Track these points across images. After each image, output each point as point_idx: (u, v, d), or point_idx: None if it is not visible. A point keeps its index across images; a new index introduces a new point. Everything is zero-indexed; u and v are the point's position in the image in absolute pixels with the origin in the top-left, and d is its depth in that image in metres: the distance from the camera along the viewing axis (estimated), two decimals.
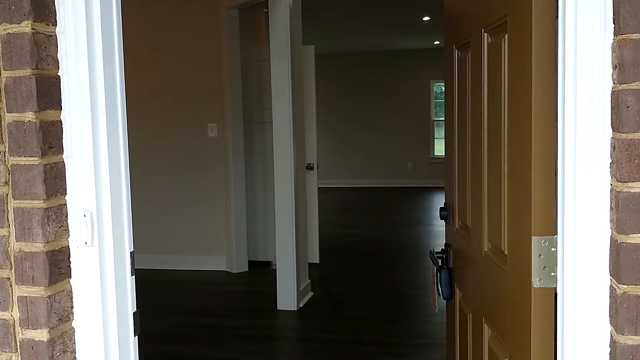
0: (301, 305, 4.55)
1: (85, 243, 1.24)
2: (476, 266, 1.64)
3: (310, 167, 5.68)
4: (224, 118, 5.56)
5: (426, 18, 8.79)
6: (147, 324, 4.35)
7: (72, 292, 1.25)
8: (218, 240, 5.67)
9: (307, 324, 4.27)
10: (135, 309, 1.39)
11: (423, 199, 10.53)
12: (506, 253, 1.37)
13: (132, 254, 1.37)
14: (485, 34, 1.50)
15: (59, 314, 1.22)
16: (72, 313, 1.26)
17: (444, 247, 2.04)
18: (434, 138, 12.36)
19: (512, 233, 1.33)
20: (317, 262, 5.81)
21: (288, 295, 4.47)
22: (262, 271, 5.58)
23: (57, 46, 1.22)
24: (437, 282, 1.98)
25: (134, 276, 1.38)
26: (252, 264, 5.77)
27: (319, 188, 6.01)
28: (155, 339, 3.92)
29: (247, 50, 5.76)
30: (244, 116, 5.67)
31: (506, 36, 1.33)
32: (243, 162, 5.59)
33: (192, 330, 4.08)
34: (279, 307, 4.47)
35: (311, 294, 4.84)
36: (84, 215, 1.24)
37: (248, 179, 5.81)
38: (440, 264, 1.99)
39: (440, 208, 2.02)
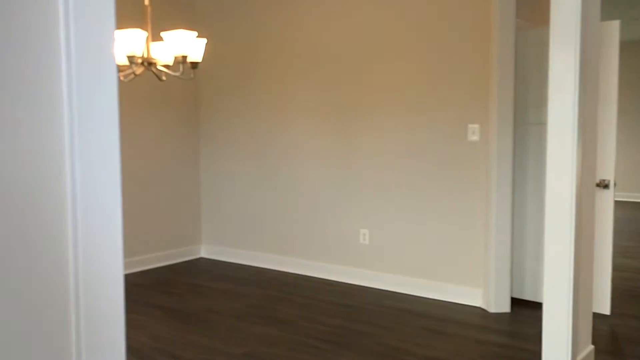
0: None
1: None
2: None
3: (604, 185, 4.23)
4: (489, 117, 4.45)
5: None
6: None
7: None
8: (474, 269, 4.60)
9: None
10: None
11: None
12: None
13: None
14: None
15: None
16: None
17: None
18: None
19: None
20: (607, 313, 4.33)
21: None
22: (528, 315, 4.34)
23: None
24: None
25: None
26: (516, 302, 4.57)
27: (618, 203, 4.49)
28: None
29: (523, 32, 4.54)
30: (515, 115, 4.48)
31: None
32: (511, 174, 4.41)
33: None
34: None
35: None
36: None
37: (517, 196, 4.60)
38: None
39: None
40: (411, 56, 4.79)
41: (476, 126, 4.52)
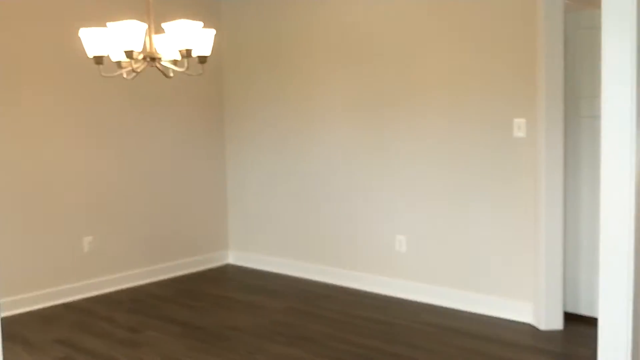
0: None
1: None
2: None
3: None
4: (536, 111, 3.98)
5: None
6: None
7: None
8: (522, 280, 4.14)
9: None
10: None
11: None
12: None
13: None
14: None
15: None
16: None
17: None
18: None
19: None
20: None
21: None
22: (583, 332, 3.86)
23: None
24: None
25: None
26: (569, 318, 4.09)
27: None
28: None
29: (574, 15, 4.05)
30: (565, 108, 4.00)
31: None
32: (562, 174, 3.93)
33: None
34: None
35: None
36: None
37: (569, 198, 4.11)
38: None
39: None
40: (451, 46, 4.35)
41: (522, 120, 4.06)
